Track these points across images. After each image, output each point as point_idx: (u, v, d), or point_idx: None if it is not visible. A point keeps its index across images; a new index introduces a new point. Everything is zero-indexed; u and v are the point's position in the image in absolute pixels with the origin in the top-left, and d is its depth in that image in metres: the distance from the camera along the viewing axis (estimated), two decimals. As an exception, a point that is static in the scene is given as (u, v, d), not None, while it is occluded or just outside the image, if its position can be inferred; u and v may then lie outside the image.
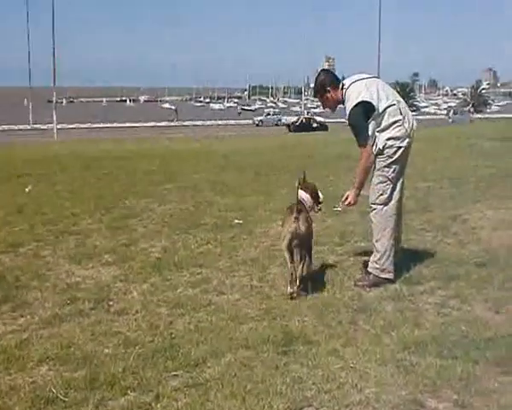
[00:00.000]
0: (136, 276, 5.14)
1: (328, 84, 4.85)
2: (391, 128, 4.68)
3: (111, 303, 4.50)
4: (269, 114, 73.16)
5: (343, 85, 4.81)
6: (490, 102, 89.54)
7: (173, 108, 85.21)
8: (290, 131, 53.70)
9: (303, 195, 4.79)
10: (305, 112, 79.47)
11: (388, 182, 4.75)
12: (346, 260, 5.37)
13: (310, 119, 60.59)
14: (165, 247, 6.03)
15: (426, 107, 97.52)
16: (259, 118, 69.17)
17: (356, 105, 4.62)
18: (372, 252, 4.81)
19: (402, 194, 4.92)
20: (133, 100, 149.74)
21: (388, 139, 4.68)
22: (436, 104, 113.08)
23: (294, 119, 62.48)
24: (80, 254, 5.83)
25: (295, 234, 4.49)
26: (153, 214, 7.69)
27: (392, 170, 4.74)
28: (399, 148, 4.70)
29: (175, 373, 3.31)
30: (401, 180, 4.84)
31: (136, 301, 4.51)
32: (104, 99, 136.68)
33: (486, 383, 3.05)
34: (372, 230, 4.80)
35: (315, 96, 5.16)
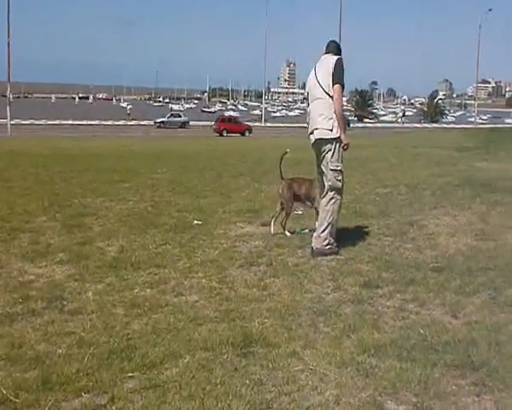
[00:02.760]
0: (92, 275, 5.01)
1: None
2: None
3: (65, 303, 4.37)
4: (172, 115, 63.98)
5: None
6: (446, 112, 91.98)
7: (130, 106, 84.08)
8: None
9: None
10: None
11: None
12: (306, 263, 5.36)
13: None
14: (122, 246, 5.90)
15: (384, 115, 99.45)
16: (161, 119, 60.54)
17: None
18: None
19: None
20: (92, 97, 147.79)
21: None
22: (394, 113, 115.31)
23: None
24: (33, 252, 5.65)
25: None
26: (110, 213, 7.53)
27: None
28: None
29: (131, 375, 3.21)
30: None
31: (91, 301, 4.38)
32: (53, 96, 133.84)
33: (445, 386, 3.07)
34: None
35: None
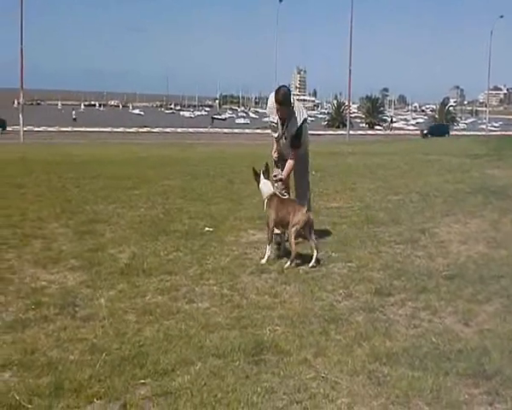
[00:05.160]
0: (104, 282, 5.03)
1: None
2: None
3: (77, 309, 4.38)
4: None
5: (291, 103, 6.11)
6: (457, 119, 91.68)
7: (142, 113, 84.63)
8: None
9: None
10: None
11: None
12: (317, 271, 5.35)
13: None
14: (134, 253, 5.92)
15: (395, 122, 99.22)
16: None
17: (305, 120, 6.27)
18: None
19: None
20: (103, 105, 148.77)
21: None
22: (405, 120, 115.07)
23: None
24: (46, 259, 5.69)
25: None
26: (121, 220, 7.56)
27: None
28: None
29: (143, 381, 3.23)
30: None
31: (104, 308, 4.40)
32: (59, 102, 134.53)
33: (457, 395, 3.05)
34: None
35: (283, 105, 6.06)
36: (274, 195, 5.90)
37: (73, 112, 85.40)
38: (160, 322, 4.11)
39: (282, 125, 6.22)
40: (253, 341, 3.71)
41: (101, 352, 3.58)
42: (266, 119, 6.77)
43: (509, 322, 3.98)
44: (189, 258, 5.76)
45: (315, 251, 5.52)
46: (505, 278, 4.89)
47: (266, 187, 5.94)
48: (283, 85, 6.32)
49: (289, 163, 6.24)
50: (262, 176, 5.97)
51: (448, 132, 65.06)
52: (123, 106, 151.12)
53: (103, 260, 5.67)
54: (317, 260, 5.50)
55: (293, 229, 5.53)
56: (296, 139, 6.21)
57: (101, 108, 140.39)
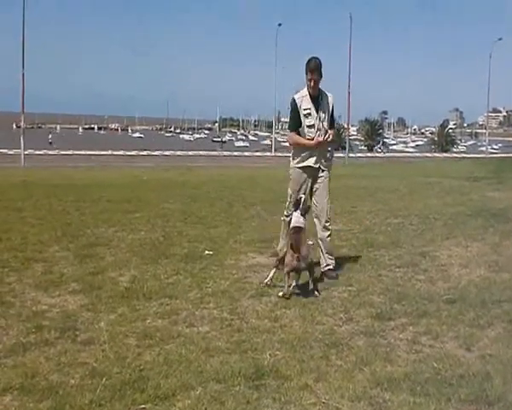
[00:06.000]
0: (104, 305, 5.02)
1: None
2: None
3: (77, 333, 4.37)
4: None
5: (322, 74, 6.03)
6: (457, 141, 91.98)
7: (142, 136, 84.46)
8: None
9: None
10: None
11: None
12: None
13: None
14: (134, 276, 5.93)
15: (394, 144, 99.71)
16: None
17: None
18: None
19: None
20: (103, 128, 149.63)
21: None
22: (404, 142, 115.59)
23: None
24: (47, 282, 5.68)
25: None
26: (121, 243, 7.57)
27: None
28: None
29: (143, 406, 3.21)
30: None
31: (104, 332, 4.39)
32: (58, 126, 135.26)
33: (459, 420, 3.04)
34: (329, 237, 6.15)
35: (315, 72, 5.95)
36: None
37: (50, 135, 79.98)
38: (160, 346, 4.10)
39: (316, 107, 6.02)
40: (254, 365, 3.70)
41: (101, 376, 3.56)
42: (284, 120, 6.79)
43: (511, 347, 3.97)
44: (188, 281, 5.76)
45: (311, 285, 5.42)
46: (507, 302, 4.89)
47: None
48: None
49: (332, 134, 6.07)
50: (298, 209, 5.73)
51: None
52: (122, 129, 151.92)
53: (104, 283, 5.67)
54: (314, 290, 5.38)
55: (285, 269, 5.38)
56: (332, 118, 6.14)
57: (101, 132, 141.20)
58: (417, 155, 71.91)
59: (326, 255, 6.05)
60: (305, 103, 6.02)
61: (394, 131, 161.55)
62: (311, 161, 6.08)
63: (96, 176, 21.73)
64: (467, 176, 20.09)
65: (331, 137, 6.02)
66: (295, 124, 6.13)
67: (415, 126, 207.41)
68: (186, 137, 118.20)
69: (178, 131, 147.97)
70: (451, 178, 18.18)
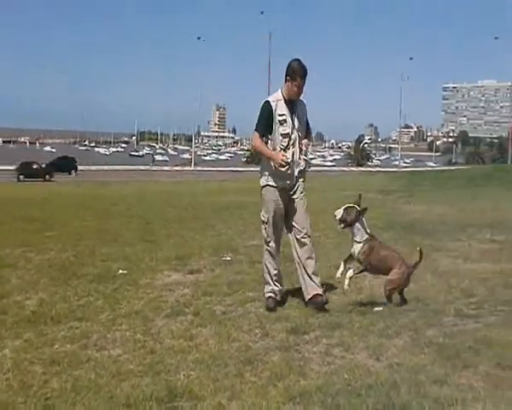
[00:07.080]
0: (9, 331, 4.77)
1: None
2: None
3: (-22, 362, 4.12)
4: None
5: None
6: (371, 155, 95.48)
7: (54, 151, 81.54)
8: None
9: None
10: None
11: None
12: (234, 311, 5.32)
13: None
14: (42, 299, 5.67)
15: (313, 158, 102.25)
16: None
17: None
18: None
19: None
20: (12, 141, 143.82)
21: None
22: (322, 156, 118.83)
23: None
24: None
25: None
26: (29, 264, 7.24)
27: None
28: None
29: (48, 438, 3.05)
30: None
31: (8, 359, 4.16)
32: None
33: (368, 431, 3.09)
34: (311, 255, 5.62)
35: (304, 79, 5.38)
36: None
37: None
38: (68, 372, 3.92)
39: (291, 114, 5.40)
40: (167, 387, 3.61)
41: (4, 407, 3.37)
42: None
43: (416, 354, 4.09)
44: (100, 303, 5.57)
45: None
46: (414, 312, 5.06)
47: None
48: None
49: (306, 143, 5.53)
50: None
51: (75, 168, 54.28)
52: (30, 143, 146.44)
53: (9, 308, 5.39)
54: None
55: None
56: (308, 125, 5.60)
57: (11, 145, 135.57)
58: (335, 168, 74.01)
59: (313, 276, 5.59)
60: (280, 109, 5.37)
61: (313, 146, 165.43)
62: (284, 180, 5.48)
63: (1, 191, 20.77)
64: (380, 189, 20.85)
65: (305, 147, 5.49)
66: (265, 129, 5.42)
67: (332, 141, 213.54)
68: (101, 150, 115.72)
69: (93, 144, 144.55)
70: (366, 192, 18.73)
